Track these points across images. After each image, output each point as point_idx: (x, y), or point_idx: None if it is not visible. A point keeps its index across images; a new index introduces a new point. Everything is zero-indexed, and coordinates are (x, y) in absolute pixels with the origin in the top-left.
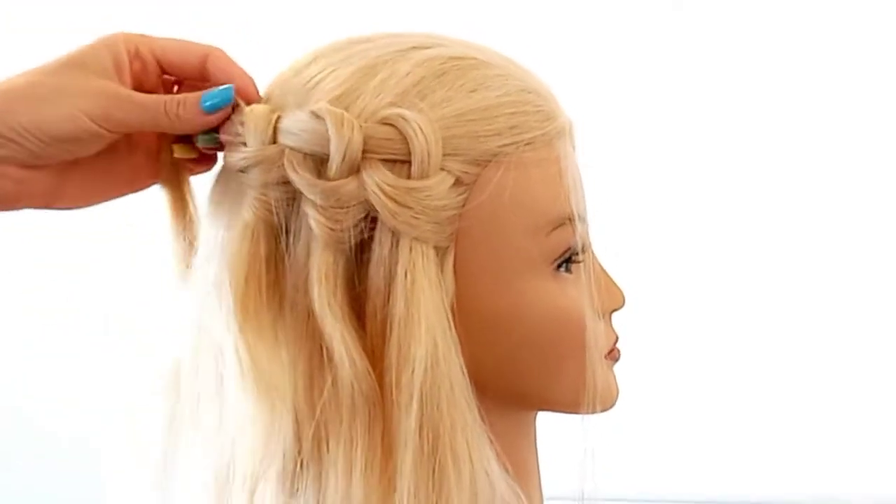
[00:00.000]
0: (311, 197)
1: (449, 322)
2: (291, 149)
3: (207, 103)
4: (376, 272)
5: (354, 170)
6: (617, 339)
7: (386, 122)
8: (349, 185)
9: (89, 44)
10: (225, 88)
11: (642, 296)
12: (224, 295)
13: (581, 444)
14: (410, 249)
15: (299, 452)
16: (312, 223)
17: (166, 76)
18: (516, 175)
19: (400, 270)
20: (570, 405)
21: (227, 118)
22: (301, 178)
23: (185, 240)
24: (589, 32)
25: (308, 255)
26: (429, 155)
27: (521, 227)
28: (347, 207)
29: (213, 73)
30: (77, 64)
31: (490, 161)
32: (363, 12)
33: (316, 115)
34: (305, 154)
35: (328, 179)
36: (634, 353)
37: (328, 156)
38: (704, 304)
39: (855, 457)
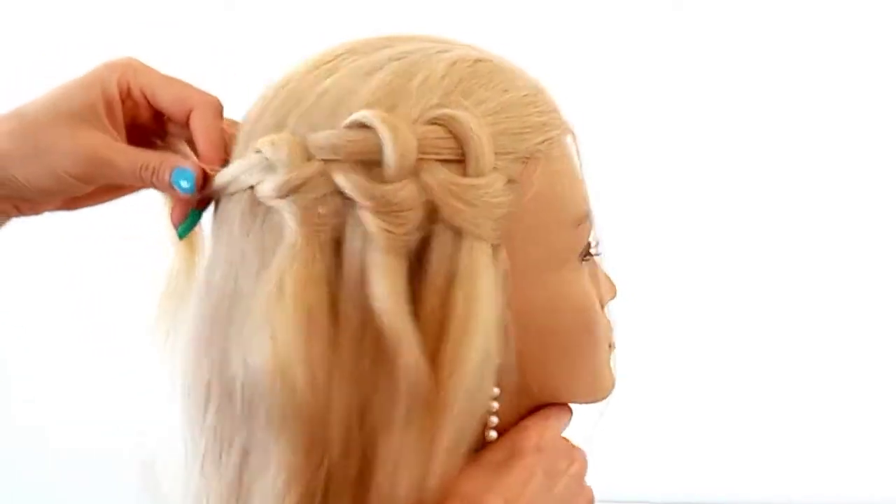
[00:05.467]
0: (368, 203)
1: (501, 322)
2: (337, 161)
3: (177, 181)
4: (437, 273)
5: (412, 172)
6: (612, 329)
7: (436, 122)
8: (408, 187)
9: (83, 81)
10: (189, 176)
11: (643, 297)
12: (278, 315)
13: (584, 446)
14: (472, 249)
15: (341, 465)
16: (374, 230)
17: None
18: (549, 172)
19: (462, 270)
20: (584, 395)
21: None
22: (356, 188)
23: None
24: (589, 32)
25: (364, 265)
26: (483, 153)
27: (556, 223)
28: (408, 210)
29: (192, 132)
30: (66, 114)
31: (529, 158)
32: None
33: (361, 124)
34: (355, 163)
35: (385, 184)
36: (636, 355)
37: (378, 162)
38: (705, 305)
39: (855, 457)
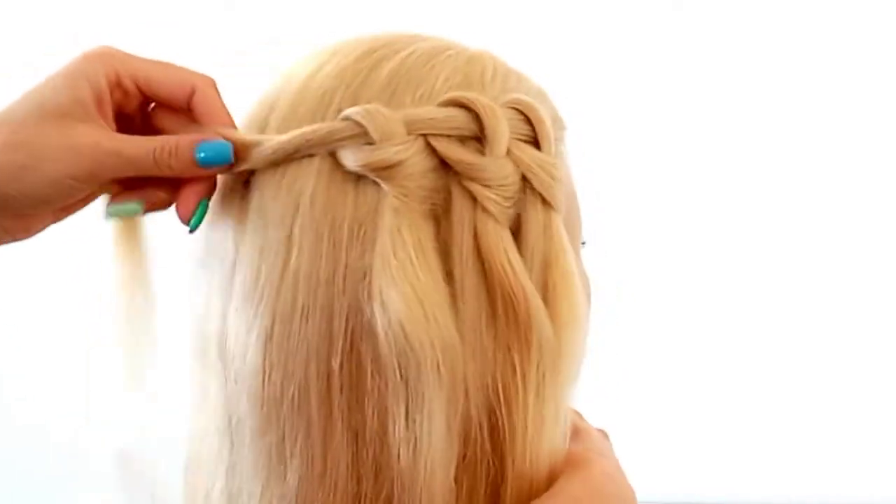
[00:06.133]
0: (479, 174)
1: None
2: (436, 136)
3: (202, 155)
4: (537, 240)
5: (507, 149)
6: None
7: (513, 107)
8: (509, 162)
9: (65, 76)
10: (222, 147)
11: (644, 297)
12: (408, 269)
13: None
14: (559, 219)
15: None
16: (487, 202)
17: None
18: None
19: (556, 237)
20: None
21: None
22: (468, 162)
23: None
24: (589, 32)
25: (479, 235)
26: (551, 135)
27: (577, 207)
28: (511, 184)
29: (198, 112)
30: (55, 113)
31: (562, 140)
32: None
33: (458, 103)
34: (452, 138)
35: (492, 158)
36: (636, 354)
37: (472, 139)
38: (705, 305)
39: (855, 457)
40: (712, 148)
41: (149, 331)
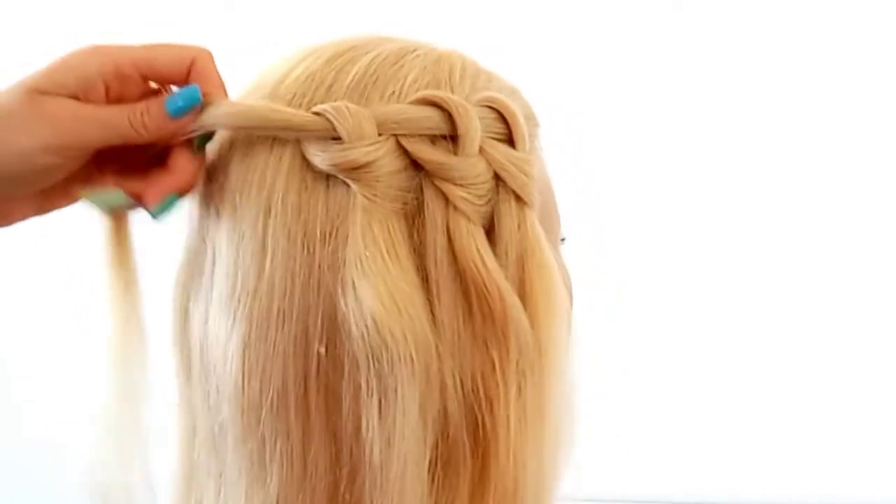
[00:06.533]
0: (451, 174)
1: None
2: (407, 136)
3: (172, 107)
4: (510, 239)
5: (480, 147)
6: None
7: (486, 105)
8: (481, 160)
9: (49, 65)
10: (189, 89)
11: (644, 297)
12: (380, 266)
13: (580, 444)
14: (533, 217)
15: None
16: (459, 202)
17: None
18: (541, 155)
19: (531, 236)
20: None
21: (195, 120)
22: (440, 161)
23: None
24: (589, 32)
25: (452, 235)
26: (525, 132)
27: (553, 202)
28: (483, 183)
29: (198, 77)
30: (30, 90)
31: (535, 138)
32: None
33: (430, 101)
34: (423, 137)
35: (464, 157)
36: (636, 354)
37: (443, 137)
38: (705, 304)
39: (855, 457)
40: (712, 148)
41: (141, 339)
